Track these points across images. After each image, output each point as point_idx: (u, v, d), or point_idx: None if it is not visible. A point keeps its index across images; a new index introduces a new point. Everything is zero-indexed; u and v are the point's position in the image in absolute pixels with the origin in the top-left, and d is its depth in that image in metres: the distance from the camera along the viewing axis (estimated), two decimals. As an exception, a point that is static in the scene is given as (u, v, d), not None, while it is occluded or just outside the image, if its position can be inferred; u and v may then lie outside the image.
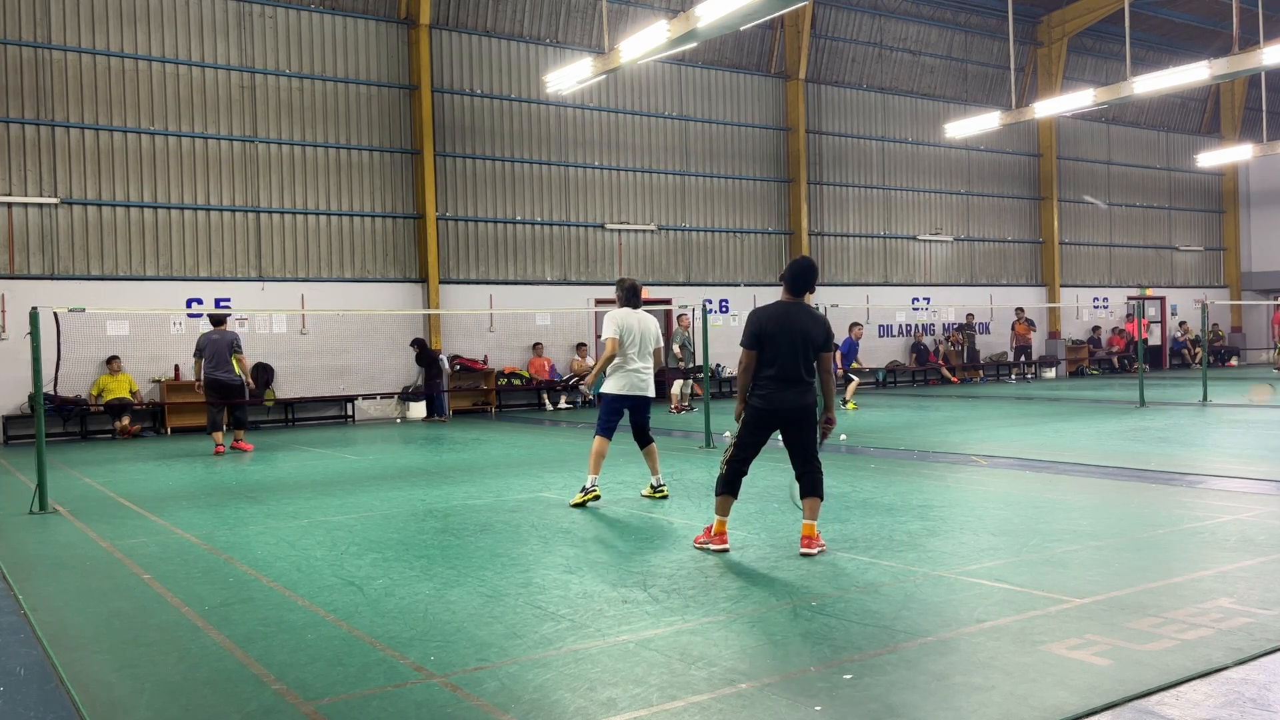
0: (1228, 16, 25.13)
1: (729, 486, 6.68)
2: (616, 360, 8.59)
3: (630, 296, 8.78)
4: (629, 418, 8.76)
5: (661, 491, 8.86)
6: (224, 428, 14.01)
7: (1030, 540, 6.70)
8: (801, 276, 6.65)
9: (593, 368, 8.75)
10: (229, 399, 13.86)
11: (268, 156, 18.61)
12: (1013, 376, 27.37)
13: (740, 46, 23.90)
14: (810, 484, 6.59)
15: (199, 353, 13.78)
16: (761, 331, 6.58)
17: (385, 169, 19.67)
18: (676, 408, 18.96)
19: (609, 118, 22.12)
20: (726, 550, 6.61)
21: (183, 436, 16.87)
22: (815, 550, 6.46)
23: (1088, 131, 30.21)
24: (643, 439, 8.85)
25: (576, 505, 8.56)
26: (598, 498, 8.65)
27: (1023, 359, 27.47)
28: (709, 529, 6.81)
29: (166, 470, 12.20)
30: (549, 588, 5.83)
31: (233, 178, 18.27)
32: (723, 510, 6.69)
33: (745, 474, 6.73)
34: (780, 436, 6.71)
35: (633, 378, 8.61)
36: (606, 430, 8.66)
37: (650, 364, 8.74)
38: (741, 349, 6.72)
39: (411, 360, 19.25)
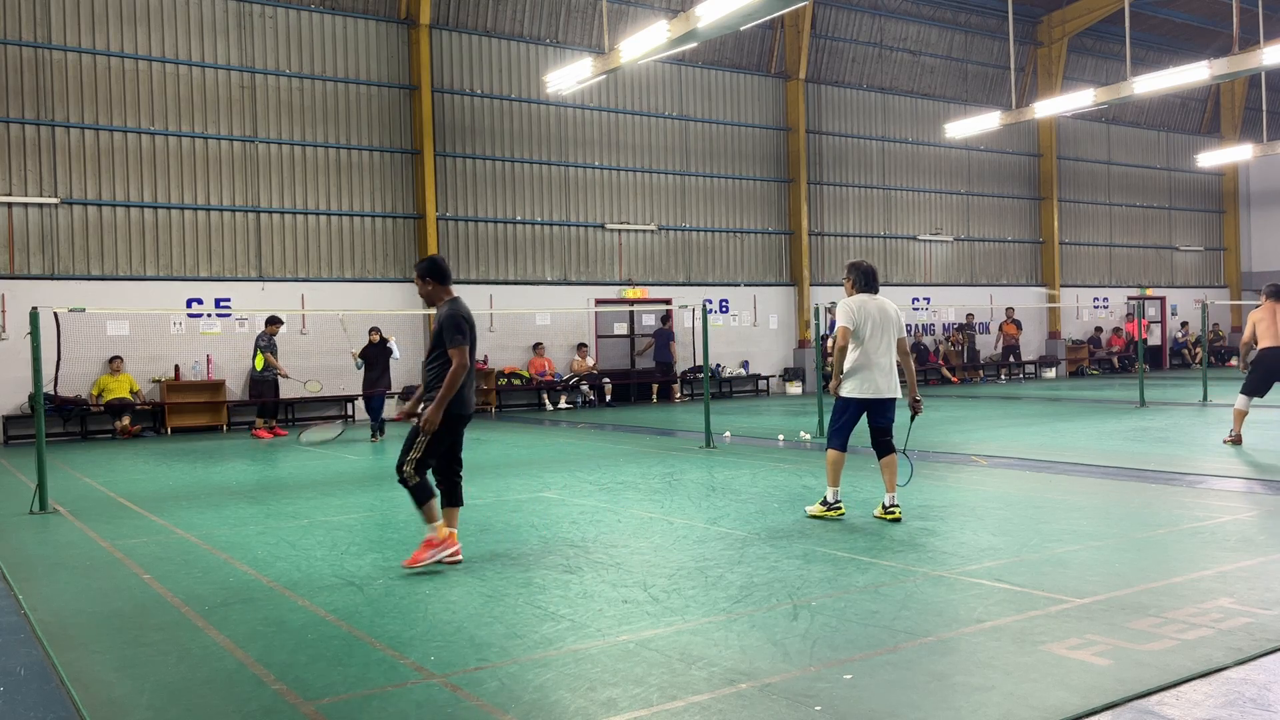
0: (1228, 16, 25.13)
1: (456, 497, 6.62)
2: (855, 356, 7.46)
3: (867, 281, 7.63)
4: (867, 422, 7.64)
5: (894, 514, 7.49)
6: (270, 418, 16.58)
7: (1030, 540, 6.70)
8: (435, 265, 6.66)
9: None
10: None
11: (268, 156, 18.61)
12: (1003, 376, 27.35)
13: (740, 46, 23.89)
14: (458, 491, 6.63)
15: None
16: (472, 331, 6.55)
17: (385, 169, 19.68)
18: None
19: (609, 118, 22.12)
20: (458, 554, 6.44)
21: (183, 436, 16.88)
22: (426, 561, 6.27)
23: (1088, 131, 30.21)
24: (881, 448, 7.65)
25: (814, 516, 7.71)
26: (842, 515, 7.67)
27: (1011, 359, 27.46)
28: (431, 540, 6.35)
29: (166, 470, 12.20)
30: (549, 588, 5.83)
31: (233, 178, 18.27)
32: (452, 521, 6.55)
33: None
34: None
35: (872, 375, 7.43)
36: (836, 439, 7.61)
37: (893, 358, 7.52)
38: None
39: (415, 361, 19.23)
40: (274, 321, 16.45)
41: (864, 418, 7.64)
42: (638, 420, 17.79)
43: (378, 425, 15.51)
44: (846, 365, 7.50)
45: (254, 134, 18.46)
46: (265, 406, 16.70)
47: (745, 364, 23.74)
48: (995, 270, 28.31)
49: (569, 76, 16.72)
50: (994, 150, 27.92)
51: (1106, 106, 21.16)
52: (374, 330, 15.86)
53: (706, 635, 4.82)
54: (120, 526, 8.28)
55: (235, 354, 18.07)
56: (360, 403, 19.41)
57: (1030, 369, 28.46)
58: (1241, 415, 11.60)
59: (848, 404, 7.55)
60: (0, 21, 16.45)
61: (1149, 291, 31.62)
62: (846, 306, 7.52)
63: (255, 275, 18.42)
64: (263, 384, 16.64)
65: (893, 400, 7.56)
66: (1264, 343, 11.57)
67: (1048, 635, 4.66)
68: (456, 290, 6.81)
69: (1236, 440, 11.48)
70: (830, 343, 7.66)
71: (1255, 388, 11.61)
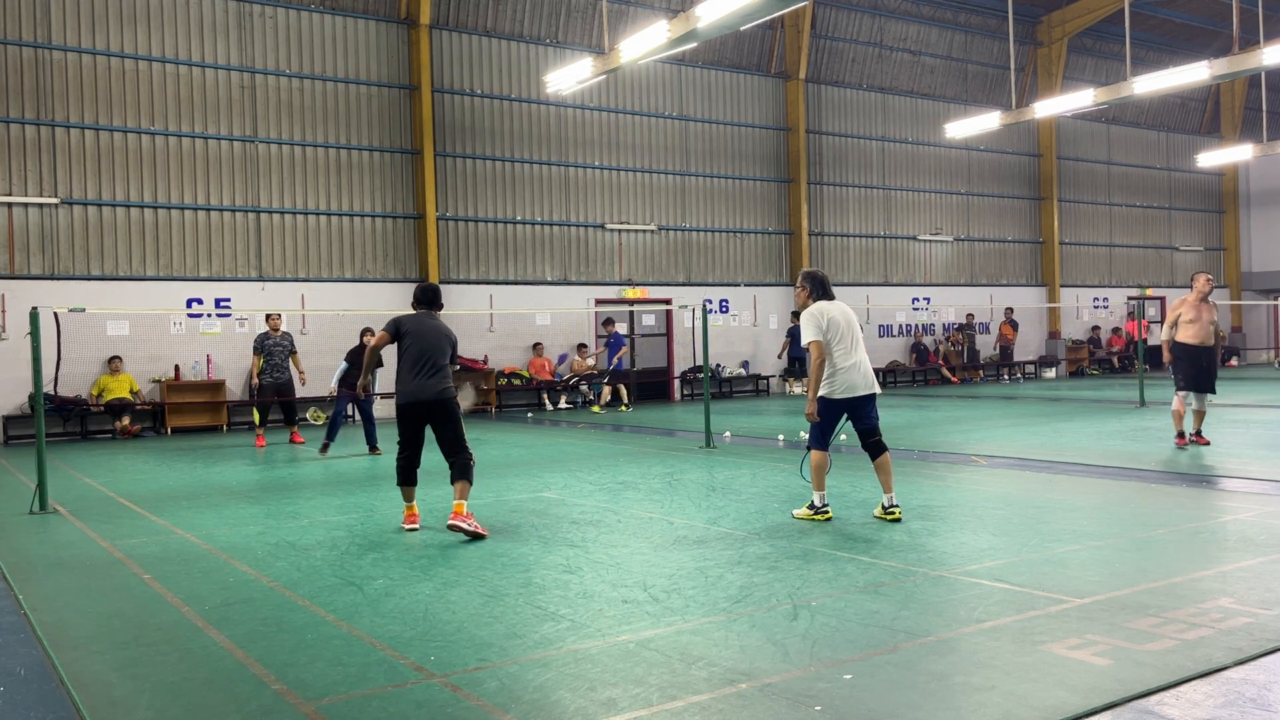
0: (1228, 16, 25.13)
1: (404, 478, 7.75)
2: (828, 361, 7.42)
3: (823, 289, 7.70)
4: (853, 425, 7.61)
5: (894, 514, 7.46)
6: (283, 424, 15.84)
7: (1030, 540, 6.70)
8: (430, 290, 8.03)
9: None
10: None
11: (268, 156, 18.61)
12: (1005, 377, 27.37)
13: (740, 46, 23.89)
14: (460, 469, 7.52)
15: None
16: (399, 330, 7.68)
17: (385, 169, 19.67)
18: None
19: (609, 118, 22.11)
20: (416, 529, 7.70)
21: (183, 436, 16.88)
22: (468, 525, 7.24)
23: (1088, 131, 30.21)
24: (873, 449, 7.58)
25: (801, 518, 7.68)
26: (829, 518, 7.59)
27: (1006, 360, 27.44)
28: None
29: (166, 470, 12.20)
30: (549, 588, 5.83)
31: (233, 178, 18.27)
32: (407, 498, 7.86)
33: (417, 464, 7.76)
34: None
35: (847, 375, 7.41)
36: (817, 441, 7.58)
37: (864, 356, 7.54)
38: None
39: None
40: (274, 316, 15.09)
41: (849, 422, 7.63)
42: (638, 420, 17.79)
43: (372, 440, 13.51)
44: (824, 372, 7.46)
45: (254, 134, 18.46)
46: (290, 407, 15.20)
47: (745, 364, 23.74)
48: (995, 270, 28.31)
49: (569, 76, 16.72)
50: (994, 150, 27.92)
51: (1106, 106, 21.16)
52: (367, 331, 13.90)
53: (706, 635, 4.82)
54: (120, 526, 8.28)
55: (235, 354, 18.06)
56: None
57: (1030, 369, 28.46)
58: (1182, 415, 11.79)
59: (827, 405, 7.49)
60: (0, 21, 16.45)
61: (1149, 291, 31.61)
62: (810, 318, 7.49)
63: (255, 275, 18.41)
64: (286, 386, 14.90)
65: (872, 397, 7.56)
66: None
67: (1048, 635, 4.66)
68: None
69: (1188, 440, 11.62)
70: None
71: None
